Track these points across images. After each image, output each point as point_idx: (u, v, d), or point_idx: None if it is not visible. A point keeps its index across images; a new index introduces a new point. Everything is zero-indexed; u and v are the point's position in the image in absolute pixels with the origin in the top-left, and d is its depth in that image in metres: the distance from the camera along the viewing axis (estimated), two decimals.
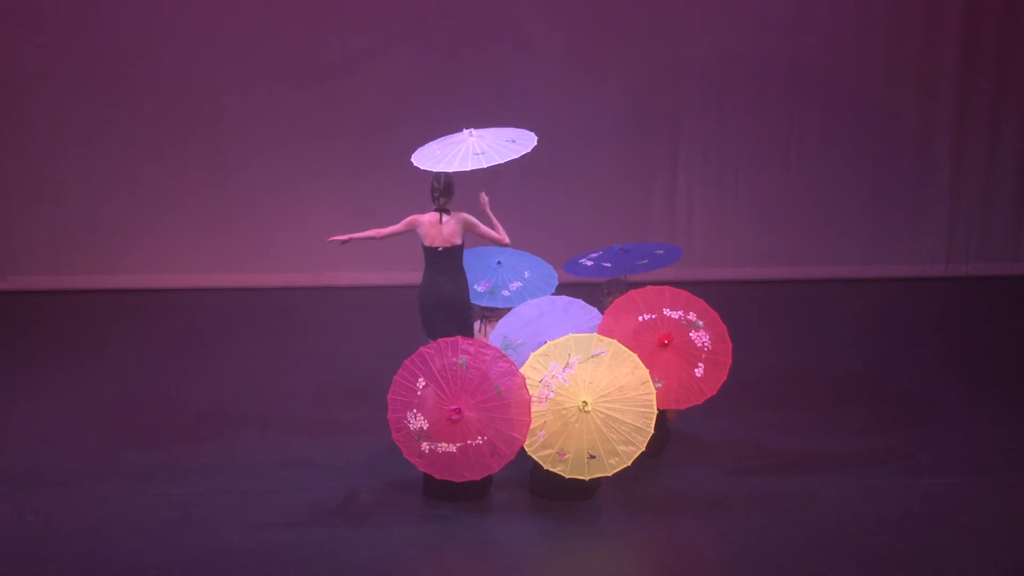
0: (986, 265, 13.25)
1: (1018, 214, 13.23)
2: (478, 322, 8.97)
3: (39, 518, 7.70)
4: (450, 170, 8.29)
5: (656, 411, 7.79)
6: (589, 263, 9.38)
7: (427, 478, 7.87)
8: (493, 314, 9.00)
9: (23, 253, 12.73)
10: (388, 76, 12.61)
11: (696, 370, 8.28)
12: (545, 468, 7.73)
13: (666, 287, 8.46)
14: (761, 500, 7.94)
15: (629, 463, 7.71)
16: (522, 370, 7.80)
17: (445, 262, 8.57)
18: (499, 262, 9.26)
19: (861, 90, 12.93)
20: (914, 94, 12.95)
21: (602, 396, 7.72)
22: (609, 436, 7.68)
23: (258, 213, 12.80)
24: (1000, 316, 12.15)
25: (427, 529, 7.62)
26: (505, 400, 7.62)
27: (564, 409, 7.71)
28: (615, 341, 7.93)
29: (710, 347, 8.32)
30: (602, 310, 8.58)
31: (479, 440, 7.61)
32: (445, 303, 8.58)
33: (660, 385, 8.18)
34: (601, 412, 7.70)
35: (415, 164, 8.46)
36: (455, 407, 7.60)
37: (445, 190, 8.52)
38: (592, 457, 7.68)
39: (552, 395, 7.74)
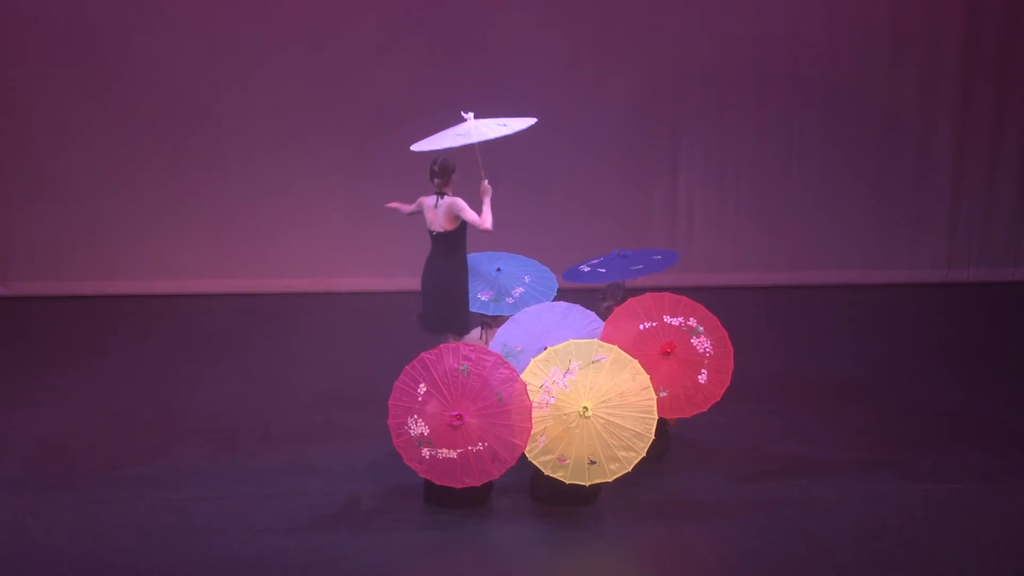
0: (987, 270, 13.24)
1: (1019, 219, 13.23)
2: (478, 329, 8.96)
3: (40, 523, 7.70)
4: (436, 148, 8.39)
5: (656, 416, 7.79)
6: (587, 269, 9.39)
7: (428, 484, 7.87)
8: (494, 321, 9.00)
9: (23, 258, 12.73)
10: (388, 79, 12.62)
11: (699, 376, 8.28)
12: (546, 474, 7.72)
13: (665, 293, 8.45)
14: (762, 505, 7.93)
15: (630, 468, 7.70)
16: (523, 376, 7.80)
17: (438, 247, 8.67)
18: (499, 269, 9.26)
19: (862, 94, 12.94)
20: (915, 98, 12.96)
21: (603, 402, 7.71)
22: (610, 442, 7.67)
23: (259, 218, 12.81)
24: (1001, 321, 12.15)
25: (428, 535, 7.61)
26: (506, 406, 7.61)
27: (565, 415, 7.70)
28: (616, 347, 7.92)
29: (712, 353, 8.32)
30: (600, 315, 8.58)
31: (480, 446, 7.60)
32: (430, 289, 8.71)
33: (665, 394, 8.17)
34: (602, 418, 7.69)
35: (412, 149, 8.58)
36: (456, 413, 7.59)
37: (439, 172, 8.59)
38: (592, 463, 7.67)
39: (553, 401, 7.74)
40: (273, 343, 11.39)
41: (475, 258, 9.24)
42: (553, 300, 8.96)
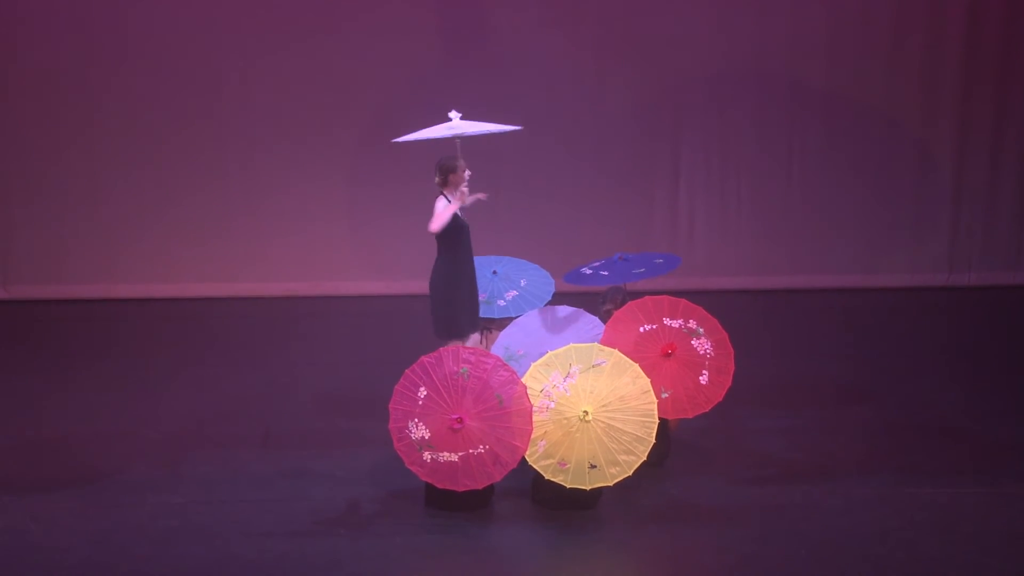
0: (988, 274, 13.24)
1: (1020, 222, 13.22)
2: (478, 333, 8.96)
3: (41, 526, 7.69)
4: (417, 139, 8.48)
5: (657, 420, 7.79)
6: (588, 272, 9.40)
7: (429, 487, 7.87)
8: (495, 324, 9.00)
9: (23, 261, 12.73)
10: (389, 81, 12.62)
11: (701, 378, 8.29)
12: (546, 478, 7.72)
13: (664, 296, 8.46)
14: (763, 510, 7.93)
15: (630, 472, 7.70)
16: (523, 380, 7.79)
17: (437, 248, 8.64)
18: (495, 272, 9.26)
19: (862, 98, 12.93)
20: (915, 101, 12.95)
21: (603, 406, 7.71)
22: (610, 446, 7.67)
23: (260, 221, 12.80)
24: (1002, 325, 12.15)
25: (429, 539, 7.61)
26: (506, 409, 7.61)
27: (565, 419, 7.70)
28: (616, 351, 7.92)
29: (712, 354, 8.33)
30: (601, 319, 8.59)
31: (481, 449, 7.60)
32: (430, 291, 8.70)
33: (667, 396, 8.18)
34: (602, 422, 7.69)
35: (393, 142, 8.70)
36: (456, 416, 7.59)
37: (436, 172, 8.55)
38: (593, 467, 7.67)
39: (553, 405, 7.74)
40: (274, 346, 11.39)
41: (476, 261, 9.24)
42: (552, 304, 8.96)
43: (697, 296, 8.82)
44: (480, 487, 7.67)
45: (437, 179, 8.57)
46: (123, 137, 12.60)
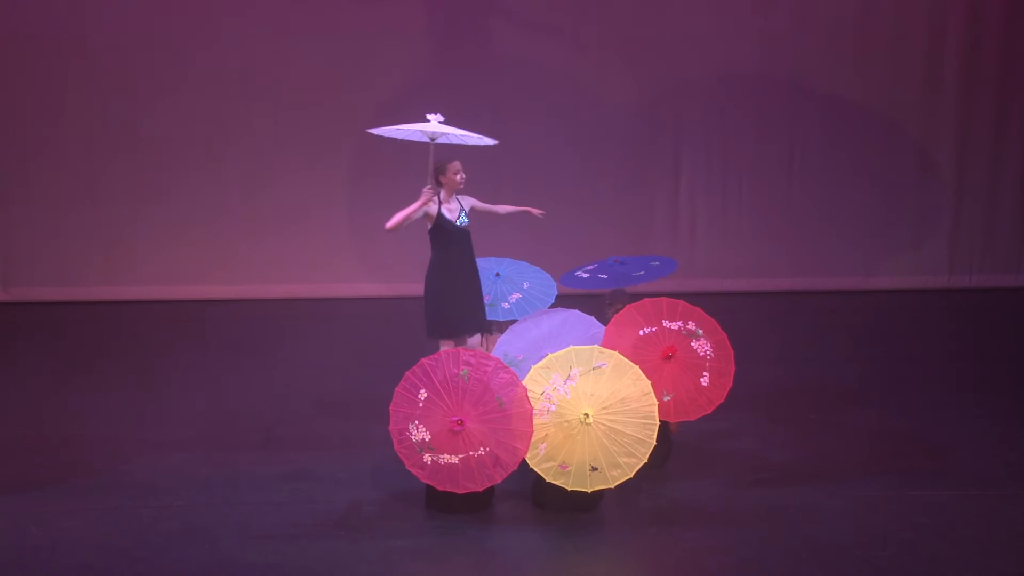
0: (989, 277, 13.25)
1: (1021, 225, 13.23)
2: (479, 336, 8.96)
3: (42, 529, 7.69)
4: (392, 135, 8.59)
5: (658, 422, 7.78)
6: (585, 275, 9.40)
7: (429, 489, 7.86)
8: (496, 327, 8.99)
9: (24, 264, 12.74)
10: (390, 83, 12.63)
11: (702, 379, 8.29)
12: (547, 481, 7.72)
13: (663, 298, 8.46)
14: (764, 512, 7.93)
15: (631, 475, 7.70)
16: (523, 382, 7.79)
17: None
18: (497, 274, 9.26)
19: (863, 100, 12.95)
20: (916, 103, 12.97)
21: (604, 408, 7.70)
22: (611, 448, 7.66)
23: (260, 224, 12.82)
24: (1003, 327, 12.15)
25: (429, 541, 7.60)
26: (507, 411, 7.61)
27: (566, 421, 7.70)
28: (616, 353, 7.92)
29: (712, 355, 8.33)
30: (605, 322, 8.58)
31: (481, 451, 7.60)
32: None
33: (669, 398, 8.18)
34: (603, 424, 7.68)
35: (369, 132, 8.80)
36: (457, 418, 7.59)
37: (431, 173, 8.67)
38: (594, 469, 7.66)
39: (554, 407, 7.73)
40: (274, 348, 11.39)
41: (479, 263, 9.25)
42: (552, 307, 8.96)
43: (698, 298, 8.82)
44: (480, 489, 7.67)
45: (432, 180, 8.61)
46: (123, 139, 12.62)
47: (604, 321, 8.58)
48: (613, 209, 12.95)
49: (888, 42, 12.83)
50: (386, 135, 8.65)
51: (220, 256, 12.82)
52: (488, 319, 8.99)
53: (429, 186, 8.56)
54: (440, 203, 8.63)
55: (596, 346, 8.04)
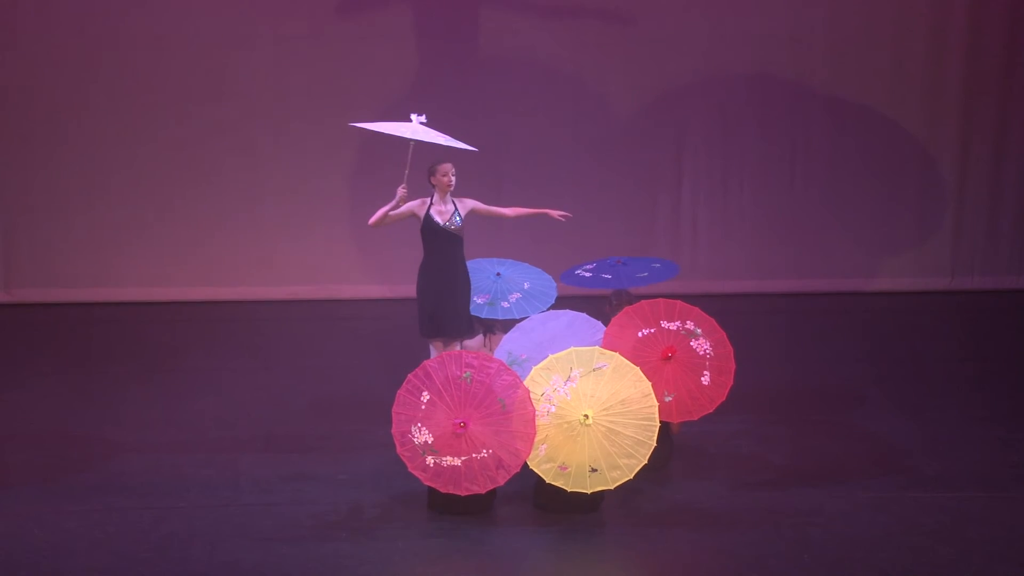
0: (991, 278, 13.23)
1: (1023, 227, 13.21)
2: (480, 336, 8.96)
3: (43, 531, 7.69)
4: (375, 130, 8.59)
5: (658, 424, 7.78)
6: (587, 274, 9.40)
7: (431, 492, 7.86)
8: (498, 326, 8.99)
9: (25, 265, 12.73)
10: (390, 84, 12.61)
11: (702, 379, 8.29)
12: (547, 482, 7.71)
13: (660, 299, 8.46)
14: (765, 514, 7.92)
15: (631, 476, 7.69)
16: (524, 383, 7.78)
17: None
18: (498, 274, 9.27)
19: (865, 102, 12.93)
20: (918, 105, 12.95)
21: (604, 409, 7.70)
22: (611, 449, 7.66)
23: (262, 225, 12.80)
24: (1005, 329, 12.13)
25: (431, 543, 7.60)
26: (509, 413, 7.61)
27: (566, 423, 7.69)
28: (617, 354, 7.91)
29: (712, 354, 8.33)
30: (606, 322, 8.58)
31: (484, 453, 7.60)
32: None
33: (670, 399, 8.17)
34: (603, 425, 7.68)
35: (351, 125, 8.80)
36: (460, 420, 7.58)
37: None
38: (594, 470, 7.66)
39: (554, 409, 7.73)
40: (275, 350, 11.38)
41: (479, 263, 9.25)
42: (553, 307, 8.96)
43: (700, 300, 8.81)
44: (483, 491, 7.67)
45: (407, 181, 8.66)
46: (124, 140, 12.60)
47: (604, 321, 8.58)
48: (614, 210, 12.93)
49: (890, 43, 12.82)
50: (368, 129, 8.67)
51: (221, 257, 12.80)
52: (488, 318, 9.00)
53: (403, 185, 8.60)
54: (431, 204, 8.65)
55: (597, 347, 8.04)
